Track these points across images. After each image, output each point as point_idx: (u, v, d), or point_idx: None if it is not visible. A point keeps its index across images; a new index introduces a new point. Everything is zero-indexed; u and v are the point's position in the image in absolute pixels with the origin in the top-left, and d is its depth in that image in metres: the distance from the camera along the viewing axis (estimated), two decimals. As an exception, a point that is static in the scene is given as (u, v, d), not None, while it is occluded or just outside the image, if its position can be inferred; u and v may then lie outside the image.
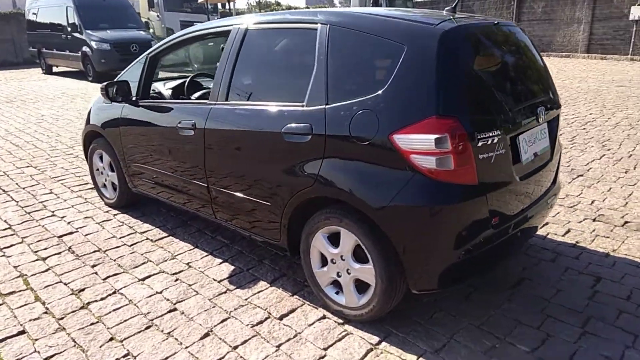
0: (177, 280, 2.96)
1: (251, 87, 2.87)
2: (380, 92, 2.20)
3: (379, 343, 2.35)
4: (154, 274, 3.03)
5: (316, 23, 2.52)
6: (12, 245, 3.45)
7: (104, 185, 4.20)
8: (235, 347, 2.34)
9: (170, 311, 2.65)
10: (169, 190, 3.45)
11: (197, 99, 3.77)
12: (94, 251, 3.36)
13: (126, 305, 2.71)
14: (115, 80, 3.51)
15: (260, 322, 2.53)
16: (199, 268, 3.09)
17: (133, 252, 3.33)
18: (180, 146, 3.16)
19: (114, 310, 2.67)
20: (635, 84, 10.51)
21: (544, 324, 2.46)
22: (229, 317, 2.57)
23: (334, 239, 2.48)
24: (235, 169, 2.82)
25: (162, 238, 3.54)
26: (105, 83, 3.46)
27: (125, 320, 2.57)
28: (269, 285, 2.88)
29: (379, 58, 2.29)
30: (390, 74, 2.19)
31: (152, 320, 2.57)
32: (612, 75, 12.11)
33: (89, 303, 2.74)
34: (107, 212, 4.06)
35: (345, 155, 2.29)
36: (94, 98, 4.23)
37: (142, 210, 4.07)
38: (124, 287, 2.90)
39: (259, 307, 2.66)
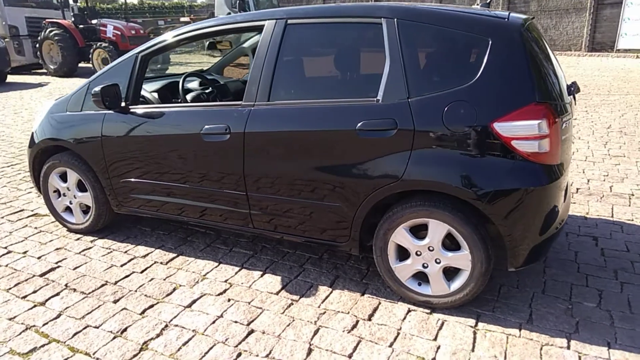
0: (229, 300, 2.69)
1: (301, 85, 2.72)
2: (471, 82, 2.29)
3: (476, 325, 2.46)
4: (198, 298, 2.71)
5: (379, 17, 2.49)
6: (-15, 295, 2.77)
7: (67, 209, 3.57)
8: (350, 356, 2.25)
9: (249, 333, 2.41)
10: (177, 204, 3.09)
11: (192, 100, 3.44)
12: (102, 285, 2.87)
13: (194, 336, 2.40)
14: (107, 83, 3.00)
15: (355, 326, 2.45)
16: (243, 284, 2.85)
17: (152, 279, 2.92)
18: (205, 154, 2.85)
19: (183, 344, 2.34)
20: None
21: (590, 282, 2.81)
22: (319, 328, 2.44)
23: (414, 232, 2.51)
24: (288, 172, 2.65)
25: (172, 259, 3.16)
26: (100, 87, 2.93)
27: (207, 353, 2.28)
28: (330, 289, 2.78)
29: (462, 51, 2.37)
30: (479, 66, 2.29)
31: (237, 346, 2.32)
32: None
33: (146, 343, 2.36)
34: (79, 239, 3.47)
35: (438, 146, 2.33)
36: (44, 106, 3.56)
37: (122, 232, 3.56)
38: (174, 317, 2.55)
39: (340, 312, 2.57)
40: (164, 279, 2.92)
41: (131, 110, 3.07)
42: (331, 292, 2.75)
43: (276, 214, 2.78)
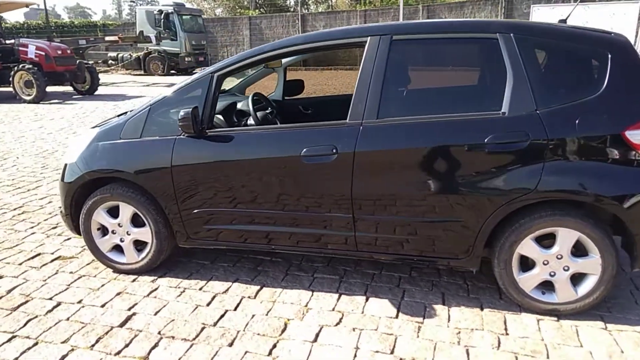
0: (353, 329, 2.53)
1: (412, 101, 2.67)
2: (599, 93, 2.40)
3: (606, 327, 2.54)
4: (319, 331, 2.52)
5: (494, 32, 2.53)
6: (73, 353, 2.35)
7: (116, 248, 3.16)
8: (517, 372, 2.21)
9: (402, 362, 2.29)
10: (264, 232, 2.87)
11: (263, 121, 3.24)
12: (202, 328, 2.56)
13: (346, 373, 2.22)
14: (190, 107, 2.71)
15: (500, 343, 2.42)
16: (354, 311, 2.70)
17: (253, 316, 2.67)
18: (305, 176, 2.69)
19: (342, 383, 2.15)
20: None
21: None
22: (468, 349, 2.38)
23: (538, 241, 2.56)
24: (403, 190, 2.58)
25: (258, 292, 2.92)
26: (187, 110, 2.64)
27: (374, 389, 2.12)
28: (445, 307, 2.73)
29: (582, 64, 2.48)
30: (602, 77, 2.41)
31: (399, 378, 2.19)
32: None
33: (299, 387, 2.14)
34: (135, 281, 3.08)
35: (571, 156, 2.40)
36: (84, 136, 3.15)
37: (180, 268, 3.22)
38: (309, 354, 2.34)
39: (475, 329, 2.52)
40: (266, 314, 2.68)
41: (210, 134, 2.81)
42: (449, 310, 2.69)
43: (386, 234, 2.68)
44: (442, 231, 2.60)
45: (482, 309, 2.70)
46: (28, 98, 11.93)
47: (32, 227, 3.98)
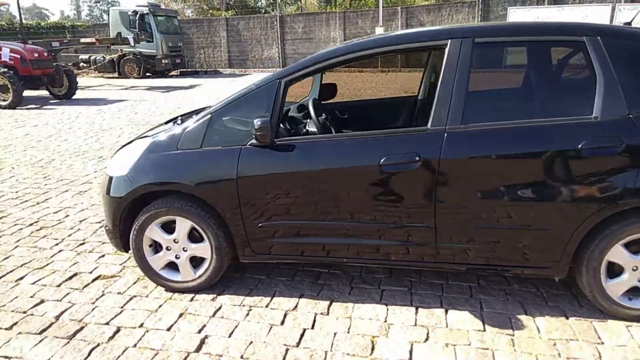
0: (446, 345, 2.43)
1: (497, 107, 2.58)
2: None
3: (693, 330, 2.52)
4: (411, 348, 2.41)
5: (580, 36, 2.48)
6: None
7: (169, 266, 2.96)
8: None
9: (510, 379, 2.20)
10: (335, 244, 2.74)
11: (322, 127, 3.09)
12: (286, 350, 2.41)
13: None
14: (265, 115, 2.55)
15: (600, 354, 2.36)
16: (438, 325, 2.59)
17: (334, 334, 2.53)
18: (383, 185, 2.57)
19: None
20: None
21: None
22: (570, 359, 2.31)
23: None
24: (490, 199, 2.50)
25: (329, 308, 2.77)
26: (264, 119, 2.48)
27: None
28: (530, 317, 2.65)
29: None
30: None
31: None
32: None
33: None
34: (194, 300, 2.88)
35: (666, 160, 2.37)
36: (135, 146, 2.93)
37: (237, 285, 3.04)
38: (412, 375, 2.22)
39: (569, 339, 2.46)
40: (348, 332, 2.55)
41: (279, 143, 2.65)
42: (535, 320, 2.62)
43: (470, 244, 2.59)
44: (531, 240, 2.53)
45: (567, 318, 2.64)
46: (4, 103, 11.31)
47: (56, 244, 3.70)
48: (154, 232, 2.88)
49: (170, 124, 3.23)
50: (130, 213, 2.90)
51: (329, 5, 26.99)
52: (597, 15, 16.27)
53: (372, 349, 2.42)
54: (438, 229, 2.59)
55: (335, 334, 2.54)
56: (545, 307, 2.75)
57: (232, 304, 2.83)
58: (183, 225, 2.83)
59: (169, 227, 2.89)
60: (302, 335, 2.53)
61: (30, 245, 3.69)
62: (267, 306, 2.80)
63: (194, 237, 2.88)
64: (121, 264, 3.34)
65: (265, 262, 2.99)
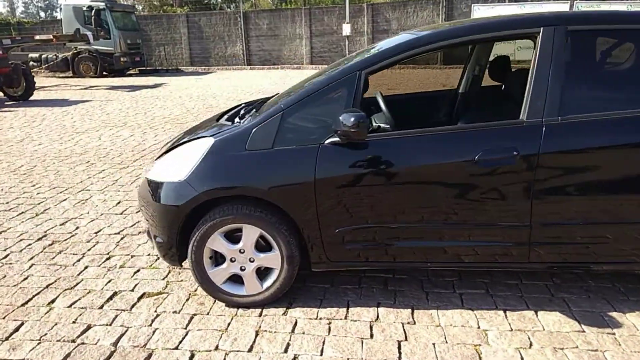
0: (555, 349, 2.30)
1: (598, 97, 2.46)
2: None
3: None
4: (521, 357, 2.27)
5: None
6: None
7: (231, 279, 2.68)
8: None
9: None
10: (417, 248, 2.57)
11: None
12: (391, 367, 2.21)
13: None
14: (354, 111, 2.32)
15: None
16: (534, 329, 2.47)
17: (433, 345, 2.35)
18: (478, 184, 2.42)
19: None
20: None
21: None
22: (685, 357, 2.24)
23: None
24: (593, 193, 2.39)
25: (412, 316, 2.59)
26: (360, 114, 2.25)
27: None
28: (620, 313, 2.58)
29: None
30: None
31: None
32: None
33: None
34: (263, 315, 2.62)
35: None
36: (193, 147, 2.63)
37: (303, 295, 2.81)
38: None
39: (673, 335, 2.40)
40: (445, 341, 2.37)
41: (368, 140, 2.44)
42: (626, 316, 2.55)
43: (570, 241, 2.48)
44: (635, 234, 2.44)
45: (663, 315, 2.58)
46: (-44, 106, 10.35)
47: (79, 260, 3.32)
48: (217, 242, 2.59)
49: (224, 121, 2.94)
50: (188, 222, 2.60)
51: (285, 3, 26.66)
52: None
53: (479, 356, 2.26)
54: (533, 227, 2.46)
55: (434, 344, 2.36)
56: (629, 302, 2.68)
57: (307, 318, 2.59)
58: (251, 233, 2.56)
59: (232, 237, 2.61)
60: (399, 348, 2.34)
61: (48, 263, 3.28)
62: (346, 318, 2.59)
63: (259, 246, 2.62)
64: (163, 279, 3.02)
65: (337, 270, 2.77)
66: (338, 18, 19.33)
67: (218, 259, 2.67)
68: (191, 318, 2.61)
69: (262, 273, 2.69)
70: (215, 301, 2.75)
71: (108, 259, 3.33)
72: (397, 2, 19.02)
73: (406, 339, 2.40)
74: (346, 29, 18.82)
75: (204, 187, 2.50)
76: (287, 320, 2.57)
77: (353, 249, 2.58)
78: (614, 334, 2.42)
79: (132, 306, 2.73)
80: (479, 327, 2.49)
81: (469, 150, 2.39)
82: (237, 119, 2.83)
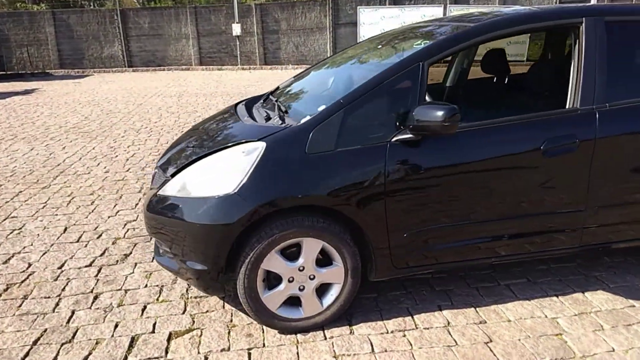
0: None
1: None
2: None
3: None
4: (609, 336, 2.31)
5: None
6: None
7: (289, 300, 2.35)
8: None
9: None
10: (483, 244, 2.49)
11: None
12: (498, 372, 2.09)
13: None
14: (442, 104, 2.13)
15: None
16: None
17: (527, 336, 2.29)
18: (542, 173, 2.42)
19: None
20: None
21: None
22: None
23: None
24: None
25: (504, 315, 2.51)
26: (452, 107, 2.06)
27: None
28: (650, 285, 2.78)
29: None
30: None
31: None
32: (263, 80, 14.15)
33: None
34: (328, 339, 2.33)
35: None
36: (240, 151, 2.23)
37: (363, 309, 2.56)
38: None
39: None
40: (529, 337, 2.33)
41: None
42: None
43: (616, 222, 2.59)
44: None
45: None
46: None
47: (57, 304, 2.67)
48: (273, 261, 2.24)
49: (247, 119, 2.55)
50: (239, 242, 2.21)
51: (156, 2, 25.15)
52: (433, 15, 18.25)
53: (567, 345, 2.24)
54: (588, 211, 2.52)
55: (519, 340, 2.29)
56: (650, 273, 2.89)
57: (378, 333, 2.36)
58: (312, 247, 2.26)
59: (286, 254, 2.28)
60: (491, 350, 2.23)
61: (18, 314, 2.58)
62: (416, 327, 2.41)
63: (318, 260, 2.33)
64: (183, 313, 2.55)
65: (397, 278, 2.56)
66: (226, 17, 18.72)
67: (271, 280, 2.32)
68: (249, 354, 2.22)
69: (319, 290, 2.39)
70: (264, 329, 2.39)
71: (96, 297, 2.73)
72: (285, 3, 18.99)
73: (491, 341, 2.30)
74: (236, 29, 18.33)
75: (262, 199, 2.14)
76: (359, 339, 2.32)
77: (422, 252, 2.41)
78: (659, 304, 2.57)
79: (167, 351, 2.25)
80: (546, 317, 2.48)
81: (536, 139, 2.36)
82: (276, 118, 2.47)
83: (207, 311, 2.57)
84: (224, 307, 2.60)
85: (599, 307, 2.55)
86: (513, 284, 2.79)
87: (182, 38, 18.88)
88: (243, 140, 2.29)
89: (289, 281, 2.29)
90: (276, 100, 2.80)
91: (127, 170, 5.22)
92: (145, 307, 2.62)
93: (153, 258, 3.17)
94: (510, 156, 2.37)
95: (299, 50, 19.61)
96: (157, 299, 2.69)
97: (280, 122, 2.41)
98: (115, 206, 4.15)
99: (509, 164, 2.37)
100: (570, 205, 2.49)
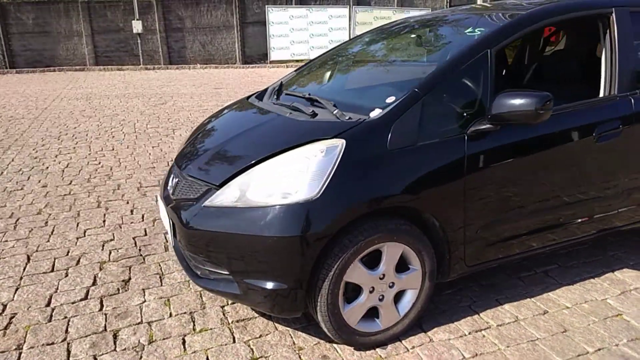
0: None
1: None
2: None
3: None
4: (659, 315, 2.42)
5: None
6: None
7: (371, 311, 2.13)
8: None
9: None
10: (546, 232, 2.49)
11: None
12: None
13: None
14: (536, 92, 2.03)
15: None
16: None
17: (605, 317, 2.32)
18: (594, 159, 2.48)
19: None
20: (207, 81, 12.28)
21: None
22: None
23: None
24: None
25: (546, 310, 2.51)
26: (545, 94, 1.97)
27: None
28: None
29: None
30: None
31: None
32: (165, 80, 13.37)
33: None
34: (410, 350, 2.16)
35: None
36: (324, 150, 1.96)
37: (432, 316, 2.43)
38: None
39: None
40: (606, 319, 2.36)
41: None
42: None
43: None
44: None
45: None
46: None
47: (68, 343, 2.18)
48: (356, 272, 2.02)
49: (325, 114, 2.28)
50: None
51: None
52: (339, 16, 18.59)
53: (631, 324, 2.31)
54: (623, 194, 2.62)
55: (589, 326, 2.31)
56: (654, 248, 3.12)
57: (457, 337, 2.24)
58: (393, 252, 2.08)
59: (365, 262, 2.07)
60: (572, 339, 2.22)
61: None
62: (490, 326, 2.33)
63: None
64: (234, 341, 2.22)
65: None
66: (124, 14, 17.36)
67: (348, 292, 2.08)
68: (337, 378, 1.98)
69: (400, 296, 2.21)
70: (338, 348, 2.15)
71: (116, 336, 2.27)
72: (190, 0, 18.13)
73: (566, 330, 2.29)
74: (137, 26, 17.10)
75: (350, 203, 1.91)
76: (443, 345, 2.18)
77: (493, 246, 2.33)
78: (681, 276, 2.76)
79: None
80: (597, 299, 2.55)
81: (590, 126, 2.41)
82: (336, 111, 2.22)
83: (260, 336, 2.25)
84: (276, 328, 2.31)
85: (633, 284, 2.68)
86: (549, 271, 2.84)
87: (74, 36, 17.16)
88: (319, 138, 2.02)
89: (370, 292, 2.08)
90: (309, 94, 2.55)
91: (70, 184, 4.53)
92: (184, 340, 2.23)
93: (161, 281, 2.74)
94: (575, 142, 2.39)
95: (205, 49, 18.83)
96: (194, 329, 2.31)
97: (334, 117, 2.17)
98: (78, 225, 3.55)
99: (574, 150, 2.39)
100: (611, 189, 2.57)
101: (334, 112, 2.20)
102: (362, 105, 2.21)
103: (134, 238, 3.31)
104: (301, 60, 17.01)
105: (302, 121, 2.26)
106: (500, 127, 2.16)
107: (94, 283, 2.74)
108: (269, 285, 1.95)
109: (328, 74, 3.08)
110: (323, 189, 1.89)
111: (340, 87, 2.94)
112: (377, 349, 2.15)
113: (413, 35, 2.95)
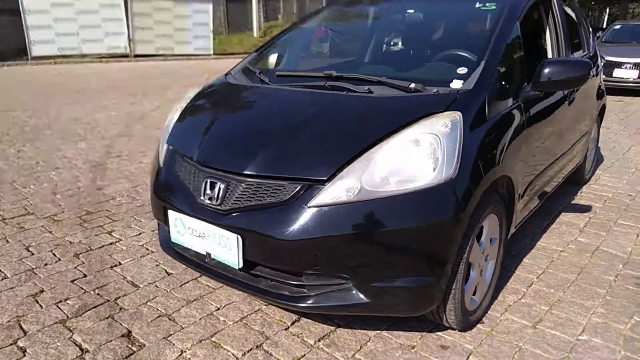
0: None
1: None
2: None
3: None
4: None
5: None
6: None
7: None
8: None
9: None
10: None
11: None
12: None
13: None
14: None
15: None
16: None
17: None
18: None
19: None
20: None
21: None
22: None
23: None
24: None
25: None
26: (586, 61, 2.14)
27: None
28: None
29: None
30: None
31: None
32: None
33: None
34: (492, 335, 2.16)
35: None
36: (449, 125, 1.80)
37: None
38: None
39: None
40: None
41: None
42: None
43: None
44: None
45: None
46: None
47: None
48: (474, 250, 1.94)
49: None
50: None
51: None
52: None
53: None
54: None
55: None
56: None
57: (521, 296, 2.36)
58: (492, 224, 2.08)
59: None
60: None
61: None
62: (538, 277, 2.52)
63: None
64: (310, 349, 1.90)
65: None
66: None
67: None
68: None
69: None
70: (448, 333, 2.03)
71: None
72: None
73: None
74: None
75: (485, 181, 1.84)
76: (521, 305, 2.26)
77: (528, 204, 2.54)
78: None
79: None
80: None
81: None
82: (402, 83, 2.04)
83: (360, 347, 1.97)
84: (354, 333, 2.05)
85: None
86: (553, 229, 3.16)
87: None
88: (433, 112, 1.83)
89: (478, 267, 2.03)
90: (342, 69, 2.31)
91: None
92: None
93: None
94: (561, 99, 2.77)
95: None
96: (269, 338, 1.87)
97: (412, 92, 2.01)
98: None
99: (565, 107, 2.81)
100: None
101: (411, 86, 2.02)
102: (431, 79, 2.10)
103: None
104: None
105: (393, 97, 2.01)
106: (544, 93, 2.34)
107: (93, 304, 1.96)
108: (409, 283, 1.71)
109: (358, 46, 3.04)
110: (458, 167, 1.75)
111: (383, 62, 2.95)
112: (479, 326, 2.11)
113: (420, 14, 2.91)
